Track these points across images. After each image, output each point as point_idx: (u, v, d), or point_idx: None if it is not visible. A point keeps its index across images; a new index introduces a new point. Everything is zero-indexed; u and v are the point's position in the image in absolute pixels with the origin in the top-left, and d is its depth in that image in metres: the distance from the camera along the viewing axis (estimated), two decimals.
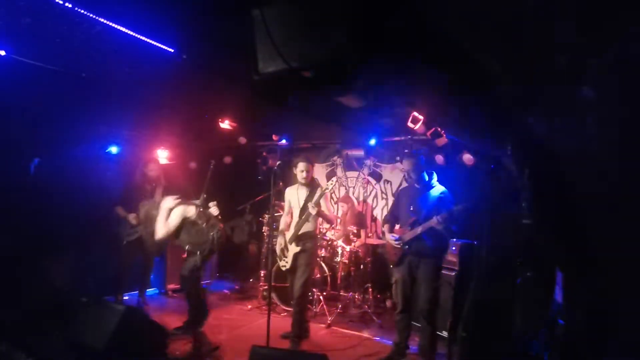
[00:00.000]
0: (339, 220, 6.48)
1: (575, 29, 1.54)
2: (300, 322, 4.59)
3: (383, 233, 4.77)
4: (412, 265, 4.17)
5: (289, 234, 4.70)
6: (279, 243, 4.85)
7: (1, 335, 3.66)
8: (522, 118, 2.71)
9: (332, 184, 4.46)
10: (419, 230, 4.05)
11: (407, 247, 4.15)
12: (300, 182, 4.70)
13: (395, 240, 4.24)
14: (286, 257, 4.71)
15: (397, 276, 4.31)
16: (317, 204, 4.43)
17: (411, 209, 4.23)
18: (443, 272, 4.87)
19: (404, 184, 6.64)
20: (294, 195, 4.79)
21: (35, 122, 4.67)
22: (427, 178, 4.26)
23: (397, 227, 4.46)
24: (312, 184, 4.74)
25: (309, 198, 4.58)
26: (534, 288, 3.83)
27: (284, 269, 4.79)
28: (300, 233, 4.58)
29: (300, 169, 4.65)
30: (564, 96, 1.90)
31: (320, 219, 4.82)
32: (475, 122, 4.01)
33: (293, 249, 4.61)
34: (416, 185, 4.32)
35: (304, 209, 4.57)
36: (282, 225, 4.93)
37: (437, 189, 4.25)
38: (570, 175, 2.45)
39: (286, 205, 4.93)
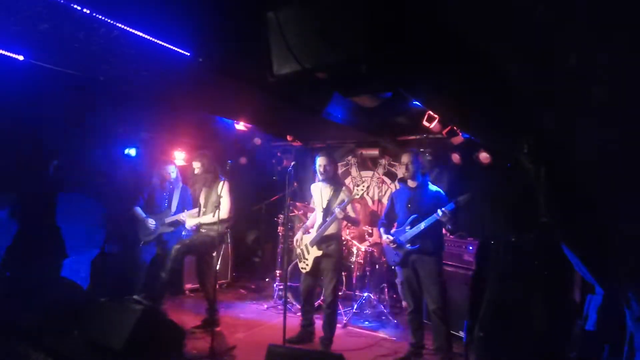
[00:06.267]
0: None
1: (586, 28, 1.53)
2: (332, 325, 4.49)
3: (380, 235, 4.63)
4: (415, 264, 4.16)
5: (310, 236, 4.53)
6: (299, 240, 4.65)
7: (20, 335, 3.74)
8: (539, 117, 2.68)
9: (362, 190, 4.23)
10: (422, 226, 4.04)
11: (408, 245, 4.14)
12: (320, 178, 4.54)
13: (395, 240, 4.23)
14: (306, 260, 4.52)
15: (402, 277, 4.31)
16: (344, 209, 4.24)
17: (409, 207, 4.22)
18: (460, 272, 4.87)
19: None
20: (317, 193, 4.62)
21: (54, 125, 4.75)
22: (421, 178, 4.28)
23: (393, 228, 4.45)
24: (335, 182, 4.55)
25: (333, 199, 4.42)
26: (552, 288, 3.79)
27: (303, 270, 4.59)
28: (323, 235, 4.41)
29: (318, 164, 4.50)
30: (580, 95, 1.88)
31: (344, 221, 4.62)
32: (492, 121, 3.98)
33: (314, 252, 4.43)
34: (410, 184, 4.31)
35: (327, 210, 4.41)
36: (309, 222, 4.78)
37: (431, 189, 4.29)
38: (588, 174, 2.43)
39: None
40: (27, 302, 4.33)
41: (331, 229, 4.41)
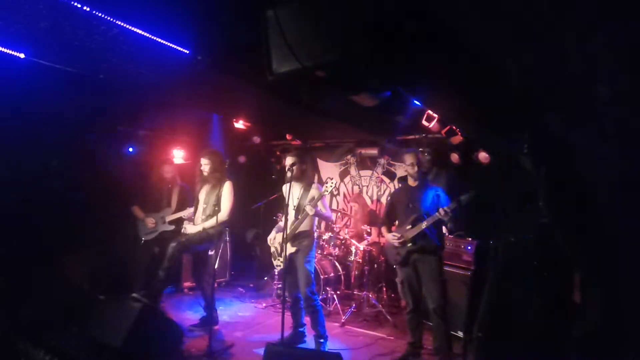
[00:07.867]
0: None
1: (589, 28, 1.53)
2: (318, 321, 4.46)
3: (381, 234, 4.63)
4: (416, 263, 4.16)
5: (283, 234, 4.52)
6: (272, 239, 4.71)
7: (20, 333, 3.74)
8: (539, 117, 2.69)
9: (331, 186, 4.30)
10: (423, 225, 4.05)
11: (410, 244, 4.14)
12: (289, 178, 4.44)
13: (398, 239, 4.22)
14: (280, 257, 4.54)
15: (403, 276, 4.31)
16: (315, 205, 4.28)
17: (410, 206, 4.23)
18: (459, 272, 4.87)
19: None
20: (288, 192, 4.59)
21: (54, 123, 4.75)
22: (422, 177, 4.31)
23: (394, 228, 4.46)
24: (304, 180, 4.57)
25: (303, 197, 4.45)
26: (551, 288, 3.79)
27: (278, 268, 4.60)
28: (296, 232, 4.44)
29: (286, 163, 4.49)
30: (581, 95, 1.88)
31: (316, 218, 4.62)
32: (492, 121, 3.98)
33: (288, 248, 4.44)
34: (411, 183, 4.34)
35: (299, 208, 4.44)
36: (282, 222, 4.77)
37: (432, 188, 4.32)
38: (587, 174, 2.43)
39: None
40: (27, 300, 4.34)
41: (304, 226, 4.45)
